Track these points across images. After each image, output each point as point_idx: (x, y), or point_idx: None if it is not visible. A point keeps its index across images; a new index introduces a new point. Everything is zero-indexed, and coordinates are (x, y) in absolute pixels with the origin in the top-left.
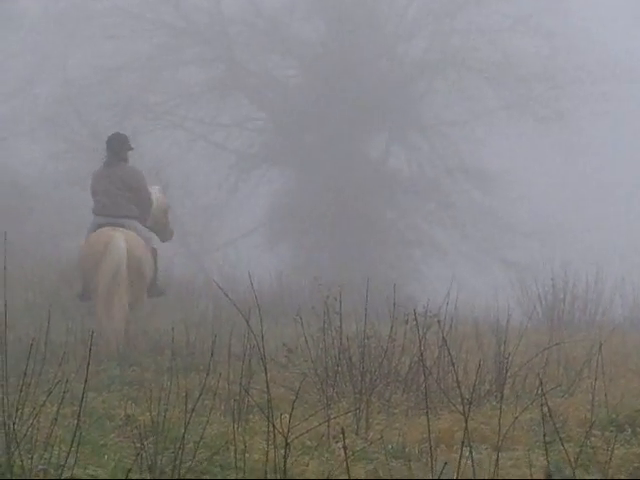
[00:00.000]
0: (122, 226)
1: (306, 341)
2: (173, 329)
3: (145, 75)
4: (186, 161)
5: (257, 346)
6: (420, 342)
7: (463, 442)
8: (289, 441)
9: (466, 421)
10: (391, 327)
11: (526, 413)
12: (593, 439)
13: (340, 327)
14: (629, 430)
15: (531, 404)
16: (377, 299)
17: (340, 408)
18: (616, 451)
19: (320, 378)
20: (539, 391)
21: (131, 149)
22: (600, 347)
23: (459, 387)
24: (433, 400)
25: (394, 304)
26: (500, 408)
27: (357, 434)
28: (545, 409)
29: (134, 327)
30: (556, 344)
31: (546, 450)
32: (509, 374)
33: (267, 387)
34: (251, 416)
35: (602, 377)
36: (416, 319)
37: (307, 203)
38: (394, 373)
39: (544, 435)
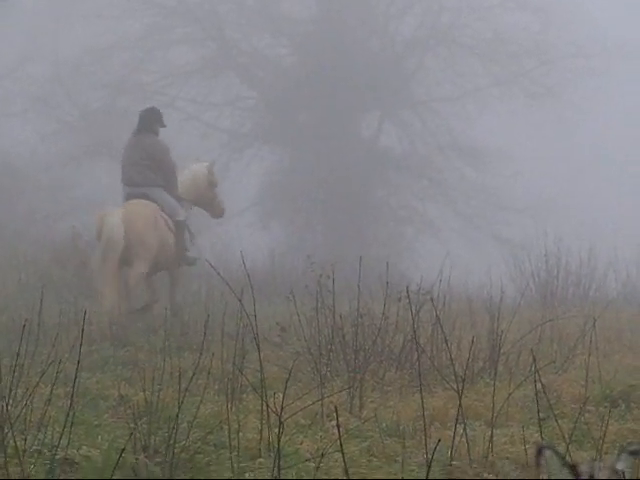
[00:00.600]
0: (145, 195)
1: (299, 320)
2: (166, 309)
3: (136, 55)
4: (178, 140)
5: (250, 325)
6: (413, 320)
7: (457, 419)
8: (283, 420)
9: (460, 398)
10: (384, 305)
11: (520, 390)
12: (587, 415)
13: (333, 306)
14: (623, 406)
15: (525, 381)
16: (370, 277)
17: (334, 386)
18: (610, 427)
19: (314, 357)
20: (532, 368)
21: (163, 126)
22: (594, 323)
23: (453, 364)
24: (427, 378)
25: (387, 282)
26: (494, 385)
27: (351, 412)
28: (539, 386)
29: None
30: (549, 320)
31: (540, 426)
32: (502, 351)
33: (260, 366)
34: (245, 395)
35: (596, 353)
36: (409, 297)
37: (299, 182)
38: (387, 351)
39: (538, 411)
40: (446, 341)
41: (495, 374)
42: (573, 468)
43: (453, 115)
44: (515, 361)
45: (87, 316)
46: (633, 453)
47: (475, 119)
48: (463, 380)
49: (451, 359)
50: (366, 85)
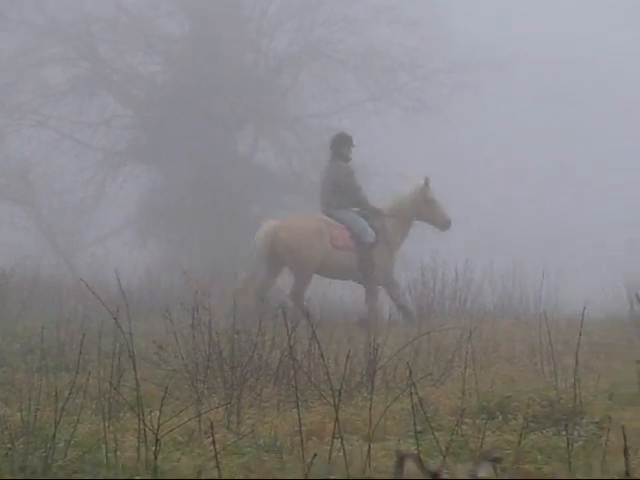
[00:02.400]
0: (330, 214)
1: (176, 337)
2: (43, 328)
3: (8, 75)
4: (53, 160)
5: (126, 344)
6: (289, 336)
7: (334, 433)
8: (159, 437)
9: (336, 412)
10: (260, 321)
11: (397, 403)
12: (464, 427)
13: (209, 322)
14: (500, 417)
15: (401, 394)
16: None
17: (211, 403)
18: (487, 438)
19: (191, 374)
20: (409, 381)
21: (352, 146)
22: (470, 335)
23: (329, 379)
24: (304, 393)
25: (262, 299)
26: (371, 399)
27: (229, 428)
28: (415, 398)
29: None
30: (426, 333)
31: (417, 439)
32: (379, 365)
33: (137, 384)
34: (122, 414)
35: (473, 365)
36: (284, 313)
37: (175, 199)
38: (265, 367)
39: (414, 424)
40: (322, 356)
41: (372, 388)
42: (434, 475)
43: (328, 130)
44: (392, 375)
45: None
46: (493, 460)
47: (350, 134)
48: (339, 394)
49: (328, 374)
50: (241, 101)
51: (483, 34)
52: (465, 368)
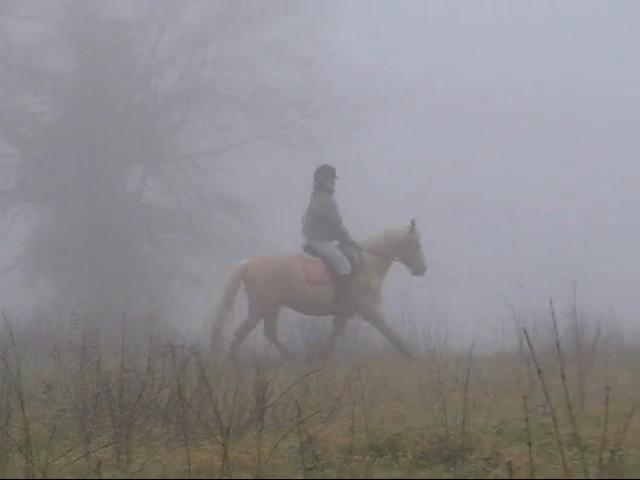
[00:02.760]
0: (311, 247)
1: (65, 377)
2: None
3: None
4: None
5: (14, 384)
6: (178, 374)
7: (223, 471)
8: (48, 477)
9: (225, 450)
10: (148, 360)
11: (286, 441)
12: (353, 464)
13: (98, 362)
14: (389, 454)
15: (290, 432)
16: (136, 333)
17: (100, 442)
18: (376, 475)
19: (80, 413)
20: (298, 418)
21: (336, 178)
22: (359, 372)
23: (219, 417)
24: (194, 431)
25: (151, 337)
26: (260, 437)
27: (118, 467)
28: (304, 436)
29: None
30: (315, 371)
31: (305, 477)
32: (269, 403)
33: (25, 425)
34: (10, 454)
35: (362, 402)
36: (173, 351)
37: (64, 238)
38: (154, 406)
39: (303, 462)
40: (210, 394)
41: (262, 426)
42: None
43: (217, 169)
44: (282, 412)
45: None
46: None
47: (239, 171)
48: (228, 432)
49: (217, 412)
50: (129, 140)
51: (377, 70)
52: (354, 405)
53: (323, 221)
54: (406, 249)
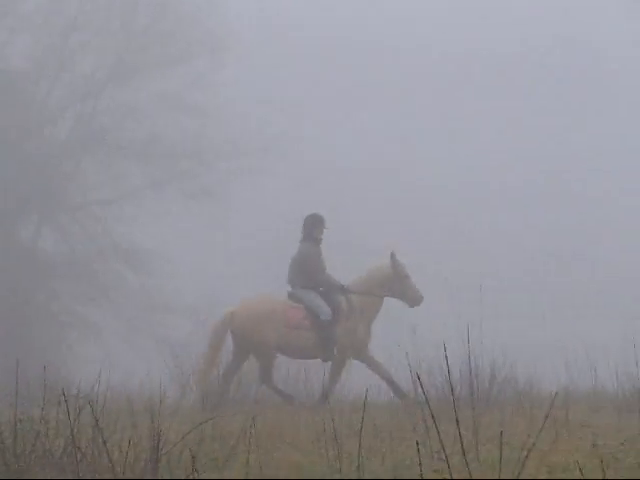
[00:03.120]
0: (293, 295)
1: None
2: None
3: None
4: None
5: None
6: (72, 424)
7: None
8: None
9: None
10: (42, 409)
11: None
12: None
13: None
14: None
15: None
16: (31, 382)
17: None
18: None
19: None
20: (193, 467)
21: (325, 228)
22: (254, 420)
23: (113, 467)
24: None
25: (45, 386)
26: None
27: None
28: None
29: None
30: (210, 419)
31: None
32: (164, 451)
33: None
34: None
35: (257, 450)
36: (67, 401)
37: None
38: (48, 455)
39: None
40: (104, 443)
41: (156, 474)
42: None
43: (111, 218)
44: (176, 461)
45: None
46: None
47: (133, 220)
48: None
49: (111, 461)
50: (22, 189)
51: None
52: (249, 453)
53: (305, 270)
54: (394, 283)
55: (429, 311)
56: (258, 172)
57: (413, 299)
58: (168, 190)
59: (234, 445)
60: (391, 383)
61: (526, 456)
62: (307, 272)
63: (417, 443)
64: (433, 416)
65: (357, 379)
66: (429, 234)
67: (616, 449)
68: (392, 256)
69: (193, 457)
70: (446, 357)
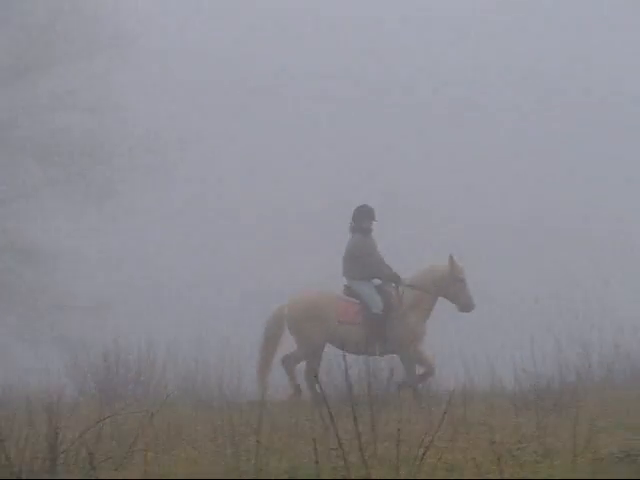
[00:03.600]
0: (349, 286)
1: None
2: None
3: None
4: None
5: None
6: None
7: None
8: None
9: None
10: None
11: None
12: None
13: None
14: None
15: (83, 478)
16: None
17: None
18: None
19: None
20: (91, 465)
21: (374, 220)
22: (152, 418)
23: (10, 464)
24: None
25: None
26: None
27: None
28: None
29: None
30: (108, 417)
31: None
32: (61, 449)
33: None
34: None
35: (155, 448)
36: None
37: None
38: None
39: None
40: (2, 441)
41: (55, 472)
42: None
43: (9, 217)
44: (74, 459)
45: None
46: None
47: (33, 219)
48: None
49: (8, 459)
50: None
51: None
52: (147, 452)
53: (357, 261)
54: (449, 285)
55: None
56: (157, 170)
57: (465, 304)
58: (67, 189)
59: (132, 443)
60: (407, 386)
61: (424, 453)
62: (359, 263)
63: (314, 441)
64: (331, 414)
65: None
66: None
67: (513, 446)
68: (450, 257)
69: (91, 455)
70: (344, 356)
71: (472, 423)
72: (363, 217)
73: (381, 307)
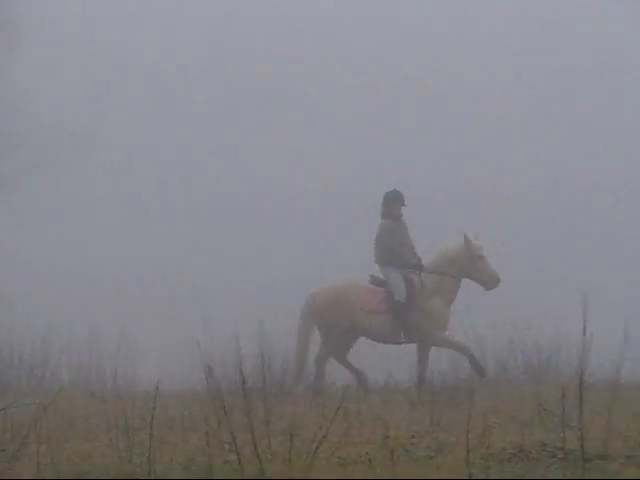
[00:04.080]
0: (375, 276)
1: None
2: None
3: None
4: None
5: None
6: None
7: None
8: None
9: None
10: None
11: None
12: None
13: None
14: None
15: None
16: None
17: None
18: None
19: None
20: None
21: (403, 205)
22: (45, 411)
23: None
24: None
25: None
26: None
27: None
28: None
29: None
30: (1, 410)
31: None
32: None
33: None
34: None
35: (48, 441)
36: None
37: None
38: None
39: None
40: None
41: None
42: None
43: None
44: None
45: None
46: None
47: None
48: None
49: None
50: None
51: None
52: (40, 444)
53: (384, 246)
54: (467, 264)
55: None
56: (55, 165)
57: (488, 281)
58: None
59: (25, 436)
60: (472, 359)
61: (317, 448)
62: (386, 249)
63: (207, 434)
64: (224, 407)
65: (151, 368)
66: None
67: (407, 441)
68: (465, 237)
69: None
70: (239, 349)
71: (366, 418)
72: (392, 202)
73: (404, 295)
